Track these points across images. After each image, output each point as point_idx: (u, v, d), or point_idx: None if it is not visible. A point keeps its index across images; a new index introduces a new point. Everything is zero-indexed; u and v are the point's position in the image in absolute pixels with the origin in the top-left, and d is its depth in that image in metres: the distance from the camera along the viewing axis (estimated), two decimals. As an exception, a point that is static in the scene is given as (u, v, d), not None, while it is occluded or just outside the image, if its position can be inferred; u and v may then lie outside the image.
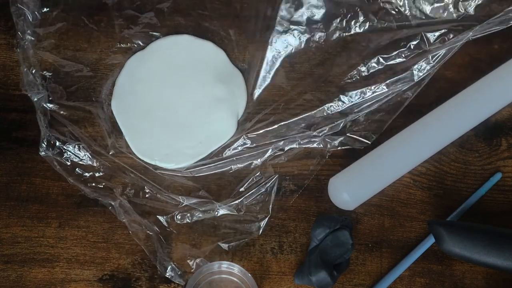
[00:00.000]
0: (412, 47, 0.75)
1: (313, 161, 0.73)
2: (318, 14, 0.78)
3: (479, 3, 0.78)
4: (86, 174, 0.73)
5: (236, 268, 0.67)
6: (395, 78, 0.74)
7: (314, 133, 0.73)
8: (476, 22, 0.76)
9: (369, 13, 0.78)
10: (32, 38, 0.78)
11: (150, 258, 0.70)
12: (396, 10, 0.78)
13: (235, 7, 0.81)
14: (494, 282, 0.69)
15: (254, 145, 0.73)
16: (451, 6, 0.78)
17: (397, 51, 0.75)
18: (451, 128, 0.73)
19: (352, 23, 0.78)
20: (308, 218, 0.72)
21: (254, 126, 0.74)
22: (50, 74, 0.77)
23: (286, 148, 0.73)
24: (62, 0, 0.80)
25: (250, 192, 0.71)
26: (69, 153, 0.73)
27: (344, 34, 0.78)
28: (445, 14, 0.78)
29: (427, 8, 0.78)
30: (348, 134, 0.73)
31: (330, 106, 0.74)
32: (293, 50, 0.78)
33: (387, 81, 0.74)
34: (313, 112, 0.74)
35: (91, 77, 0.78)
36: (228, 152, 0.74)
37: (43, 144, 0.73)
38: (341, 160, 0.74)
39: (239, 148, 0.74)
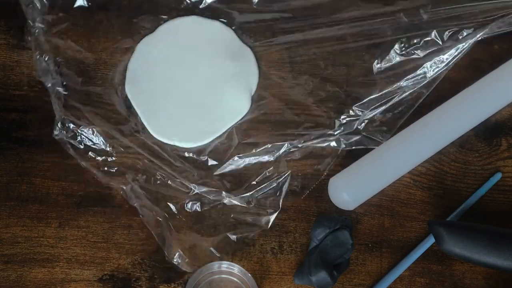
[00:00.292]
0: (424, 43, 0.75)
1: (326, 159, 0.73)
2: None
3: None
4: (99, 158, 0.73)
5: (236, 268, 0.67)
6: (410, 75, 0.74)
7: (330, 132, 0.73)
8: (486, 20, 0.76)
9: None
10: (42, 25, 0.78)
11: (159, 243, 0.70)
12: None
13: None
14: (494, 282, 0.69)
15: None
16: None
17: (412, 47, 0.75)
18: (451, 128, 0.73)
19: None
20: (308, 218, 0.72)
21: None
22: (62, 60, 0.78)
23: (300, 145, 0.73)
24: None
25: (262, 186, 0.71)
26: (82, 136, 0.73)
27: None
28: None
29: None
30: (363, 134, 0.73)
31: (344, 118, 0.74)
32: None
33: (401, 80, 0.74)
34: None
35: (103, 62, 0.78)
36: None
37: (57, 127, 0.73)
38: (341, 160, 0.74)
39: None
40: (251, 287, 0.66)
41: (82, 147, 0.73)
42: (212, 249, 0.69)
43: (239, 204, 0.71)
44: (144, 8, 0.81)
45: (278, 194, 0.72)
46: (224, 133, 0.75)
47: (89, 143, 0.73)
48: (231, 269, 0.67)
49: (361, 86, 0.76)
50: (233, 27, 0.80)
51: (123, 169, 0.73)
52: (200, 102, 0.76)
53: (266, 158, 0.73)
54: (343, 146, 0.73)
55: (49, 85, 0.75)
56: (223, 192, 0.71)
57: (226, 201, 0.71)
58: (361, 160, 0.72)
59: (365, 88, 0.75)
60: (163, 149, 0.74)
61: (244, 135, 0.75)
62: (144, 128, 0.75)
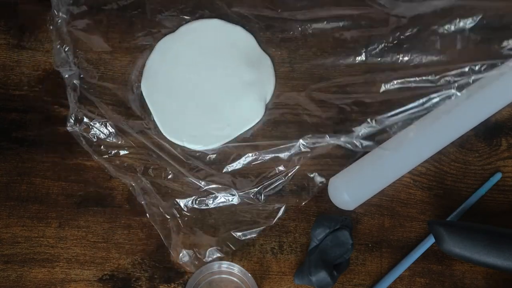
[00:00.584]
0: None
1: (340, 161, 0.73)
2: None
3: None
4: (111, 151, 0.73)
5: (236, 268, 0.67)
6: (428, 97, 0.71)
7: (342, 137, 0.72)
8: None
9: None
10: (65, 16, 0.78)
11: (164, 241, 0.70)
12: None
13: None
14: (494, 282, 0.69)
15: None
16: None
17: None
18: (451, 128, 0.73)
19: None
20: (308, 218, 0.72)
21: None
22: (81, 53, 0.78)
23: (313, 146, 0.73)
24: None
25: (270, 182, 0.71)
26: (95, 129, 0.74)
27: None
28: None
29: None
30: (376, 139, 0.72)
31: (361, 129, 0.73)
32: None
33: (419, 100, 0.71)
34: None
35: (122, 58, 0.78)
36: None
37: (71, 120, 0.73)
38: (341, 160, 0.74)
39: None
40: (251, 287, 0.66)
41: (95, 140, 0.73)
42: (215, 248, 0.69)
43: (247, 201, 0.71)
44: (167, 7, 0.80)
45: (285, 190, 0.72)
46: (234, 138, 0.75)
47: (102, 137, 0.74)
48: (231, 269, 0.67)
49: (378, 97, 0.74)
50: (254, 34, 0.79)
51: (134, 164, 0.73)
52: (214, 106, 0.76)
53: (276, 156, 0.73)
54: (358, 149, 0.71)
55: (66, 76, 0.75)
56: (232, 189, 0.71)
57: (235, 198, 0.71)
58: (361, 160, 0.72)
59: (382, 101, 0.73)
60: (173, 147, 0.74)
61: (255, 134, 0.75)
62: (155, 126, 0.75)
